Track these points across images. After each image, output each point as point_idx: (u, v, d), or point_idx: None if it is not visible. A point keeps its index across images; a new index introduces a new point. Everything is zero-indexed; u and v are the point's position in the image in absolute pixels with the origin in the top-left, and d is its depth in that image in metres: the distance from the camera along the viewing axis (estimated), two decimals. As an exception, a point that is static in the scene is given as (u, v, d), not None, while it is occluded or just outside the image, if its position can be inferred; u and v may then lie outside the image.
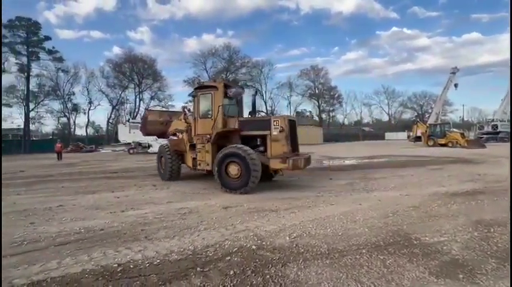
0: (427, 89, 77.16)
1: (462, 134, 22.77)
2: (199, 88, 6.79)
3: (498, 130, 32.15)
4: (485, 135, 31.31)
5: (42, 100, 37.89)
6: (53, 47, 36.82)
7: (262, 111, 11.72)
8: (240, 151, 5.69)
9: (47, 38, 36.17)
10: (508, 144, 25.30)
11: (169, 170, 7.42)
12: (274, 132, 5.91)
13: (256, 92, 8.10)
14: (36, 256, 2.66)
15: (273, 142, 5.92)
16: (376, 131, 58.78)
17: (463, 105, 59.98)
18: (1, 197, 4.37)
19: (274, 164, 5.83)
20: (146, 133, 9.89)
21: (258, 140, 6.22)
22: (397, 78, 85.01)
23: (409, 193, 5.21)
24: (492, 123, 33.39)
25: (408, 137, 37.96)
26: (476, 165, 9.49)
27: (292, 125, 6.27)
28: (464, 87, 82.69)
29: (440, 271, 2.25)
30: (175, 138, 8.31)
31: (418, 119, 41.66)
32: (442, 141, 22.21)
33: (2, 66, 32.13)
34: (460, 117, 59.56)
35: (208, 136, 6.38)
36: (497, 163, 10.07)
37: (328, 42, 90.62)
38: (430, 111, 46.76)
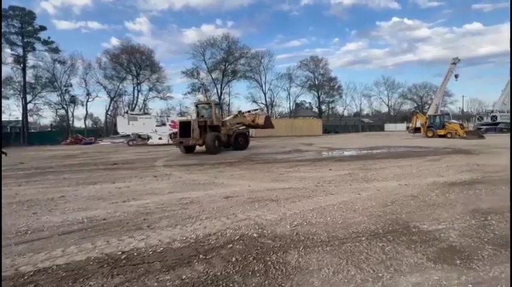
0: (427, 80, 76.73)
1: (461, 125, 22.81)
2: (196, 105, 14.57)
3: (497, 121, 32.18)
4: (484, 126, 31.39)
5: (40, 92, 37.49)
6: (49, 38, 36.23)
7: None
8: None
9: (42, 28, 35.54)
10: (507, 135, 25.38)
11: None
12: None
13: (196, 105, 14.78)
14: (41, 245, 2.71)
15: None
16: (376, 123, 58.74)
17: (463, 96, 60.00)
18: (1, 194, 4.35)
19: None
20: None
21: None
22: (397, 69, 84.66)
23: (408, 183, 5.26)
24: (491, 114, 33.38)
25: (407, 128, 38.05)
26: (475, 155, 9.55)
27: (185, 123, 12.41)
28: (464, 78, 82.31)
29: (438, 257, 2.30)
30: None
31: (417, 110, 41.56)
32: (442, 132, 22.24)
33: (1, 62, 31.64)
34: (459, 108, 59.53)
35: None
36: (496, 153, 10.13)
37: (328, 33, 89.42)
38: (429, 102, 46.61)
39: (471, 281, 1.93)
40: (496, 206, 3.65)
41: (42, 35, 35.59)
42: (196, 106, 14.45)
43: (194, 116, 14.58)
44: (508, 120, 32.82)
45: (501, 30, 77.49)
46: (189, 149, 12.93)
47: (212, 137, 12.16)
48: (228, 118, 15.34)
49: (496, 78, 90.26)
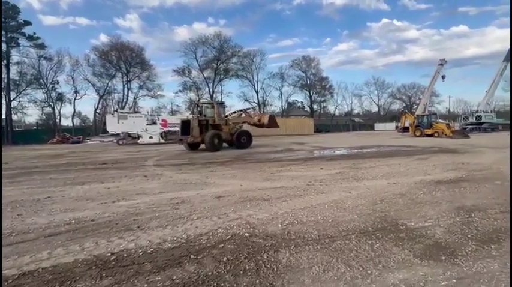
0: (415, 81, 78.65)
1: (448, 125, 23.49)
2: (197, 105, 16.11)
3: (482, 121, 33.27)
4: (469, 126, 32.38)
5: (24, 89, 36.22)
6: (34, 33, 35.00)
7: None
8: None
9: (27, 23, 34.29)
10: (491, 134, 26.29)
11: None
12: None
13: (196, 105, 16.77)
14: (26, 247, 2.63)
15: None
16: (366, 122, 59.69)
17: (450, 97, 61.73)
18: (1, 194, 4.21)
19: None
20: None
21: None
22: (387, 69, 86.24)
23: (397, 181, 5.38)
24: (476, 114, 34.47)
25: (396, 127, 38.82)
26: (460, 154, 9.85)
27: (185, 122, 13.31)
28: (451, 79, 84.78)
29: (424, 253, 2.36)
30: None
31: (406, 110, 42.51)
32: (429, 131, 22.84)
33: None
34: (446, 108, 61.21)
35: None
36: (480, 152, 10.48)
37: (320, 33, 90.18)
38: (418, 102, 47.76)
39: (455, 277, 2.00)
40: (479, 203, 3.79)
41: (27, 30, 34.39)
42: (200, 106, 15.17)
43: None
44: (492, 121, 34.05)
45: (486, 33, 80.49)
46: (193, 147, 13.46)
47: (211, 135, 12.75)
48: (229, 113, 16.53)
49: (480, 79, 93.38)
